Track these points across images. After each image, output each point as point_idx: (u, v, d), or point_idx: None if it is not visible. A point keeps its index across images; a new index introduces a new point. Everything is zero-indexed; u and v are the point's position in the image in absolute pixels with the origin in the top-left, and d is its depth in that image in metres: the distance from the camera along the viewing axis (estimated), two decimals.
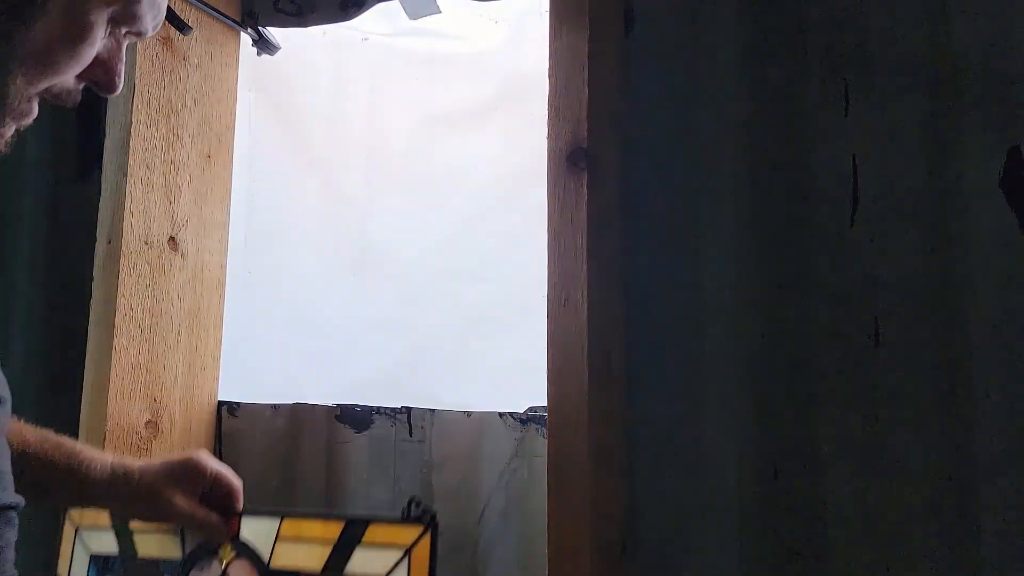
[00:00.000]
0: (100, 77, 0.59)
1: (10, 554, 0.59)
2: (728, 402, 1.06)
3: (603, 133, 1.06)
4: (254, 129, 1.50)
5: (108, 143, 1.26)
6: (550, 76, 1.09)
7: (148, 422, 1.24)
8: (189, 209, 1.31)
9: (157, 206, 1.26)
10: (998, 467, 0.92)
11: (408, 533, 0.91)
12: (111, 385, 1.18)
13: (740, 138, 1.09)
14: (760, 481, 1.03)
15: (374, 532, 0.93)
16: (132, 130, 1.22)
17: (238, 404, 1.41)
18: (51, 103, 0.58)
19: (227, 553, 0.96)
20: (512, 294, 1.41)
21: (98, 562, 1.03)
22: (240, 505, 0.97)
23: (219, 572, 0.96)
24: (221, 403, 1.40)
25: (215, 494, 0.96)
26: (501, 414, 1.27)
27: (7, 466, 0.61)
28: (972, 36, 0.98)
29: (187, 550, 0.99)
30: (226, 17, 1.34)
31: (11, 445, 0.64)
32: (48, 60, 0.54)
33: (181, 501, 0.93)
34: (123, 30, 0.59)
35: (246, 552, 0.96)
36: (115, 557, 1.02)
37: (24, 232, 1.43)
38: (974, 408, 0.93)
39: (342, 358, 1.49)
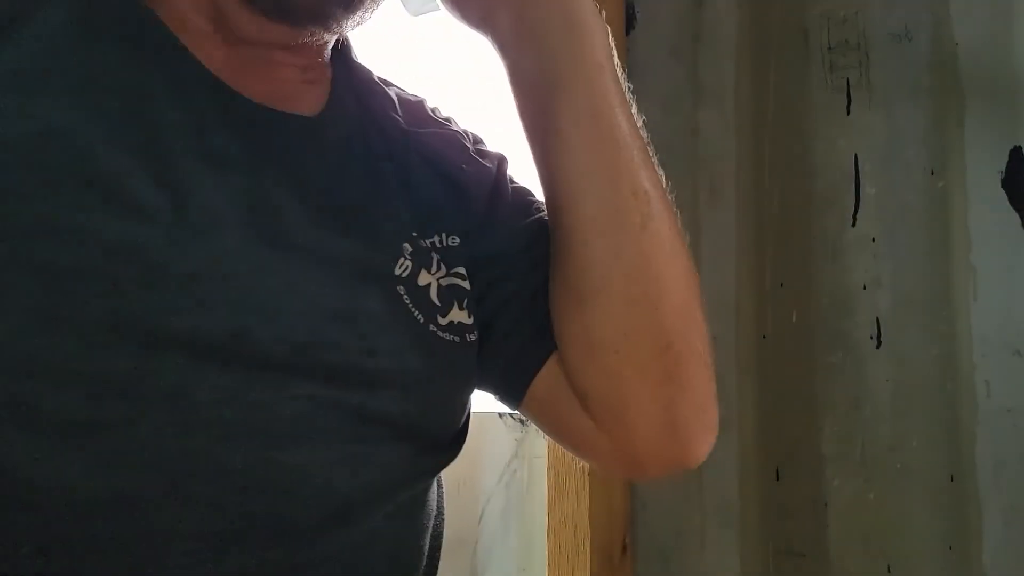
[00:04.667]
0: None
1: None
2: (728, 402, 1.05)
3: None
4: None
5: None
6: None
7: None
8: None
9: None
10: (998, 467, 0.92)
11: None
12: None
13: (741, 137, 1.09)
14: (760, 481, 1.03)
15: None
16: None
17: None
18: None
19: None
20: None
21: None
22: None
23: None
24: None
25: None
26: (501, 415, 1.27)
27: None
28: (974, 35, 0.97)
29: None
30: None
31: None
32: None
33: None
34: None
35: None
36: None
37: None
38: (974, 408, 0.93)
39: None
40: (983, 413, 0.93)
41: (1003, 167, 0.94)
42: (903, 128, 1.00)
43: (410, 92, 0.62)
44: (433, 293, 0.49)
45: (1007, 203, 0.94)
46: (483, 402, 1.45)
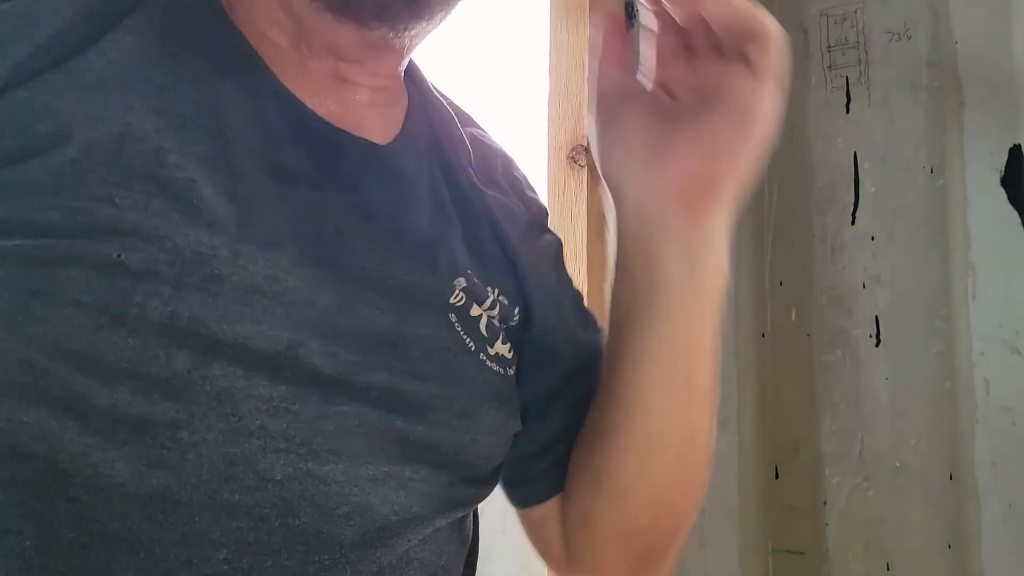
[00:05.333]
0: None
1: None
2: (728, 400, 1.05)
3: None
4: None
5: None
6: (550, 72, 1.08)
7: None
8: None
9: None
10: (997, 465, 0.92)
11: None
12: None
13: None
14: (760, 479, 1.03)
15: None
16: None
17: None
18: None
19: None
20: None
21: None
22: None
23: None
24: None
25: None
26: None
27: None
28: (974, 34, 0.97)
29: None
30: None
31: None
32: None
33: None
34: None
35: None
36: None
37: None
38: (973, 406, 0.93)
39: None
40: (982, 411, 0.93)
41: (1002, 165, 0.94)
42: (902, 126, 1.00)
43: (486, 135, 0.62)
44: (482, 324, 0.50)
45: (1006, 201, 0.94)
46: None
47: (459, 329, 0.48)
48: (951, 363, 0.95)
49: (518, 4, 1.45)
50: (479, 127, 0.62)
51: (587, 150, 1.03)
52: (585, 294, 1.01)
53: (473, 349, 0.48)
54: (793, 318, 1.03)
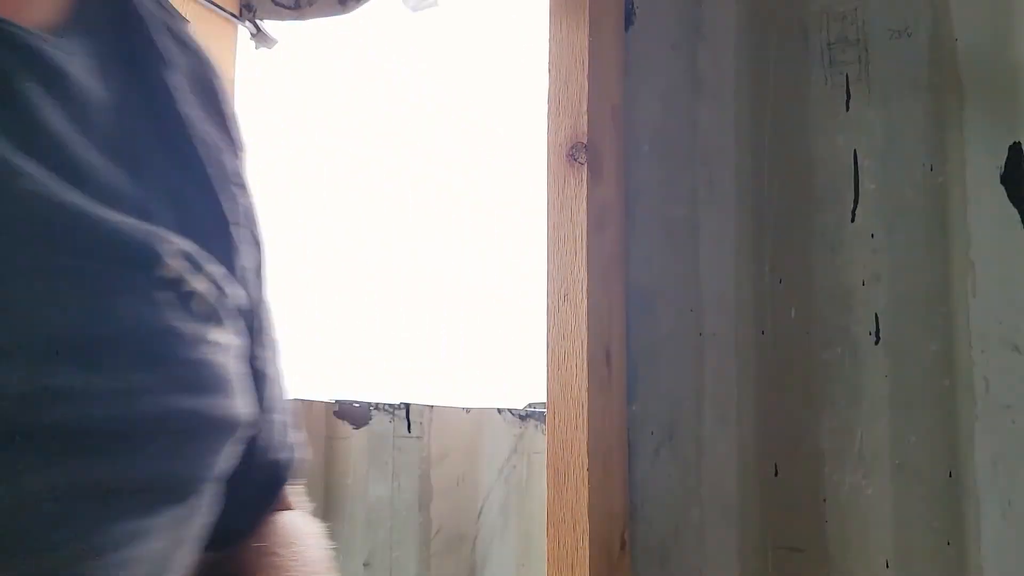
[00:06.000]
0: None
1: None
2: (728, 401, 1.05)
3: (603, 128, 1.06)
4: (251, 123, 1.50)
5: None
6: (549, 70, 1.08)
7: None
8: None
9: None
10: (996, 463, 0.92)
11: None
12: None
13: (740, 133, 1.08)
14: (760, 479, 1.03)
15: None
16: None
17: None
18: None
19: None
20: (511, 289, 1.41)
21: None
22: None
23: None
24: None
25: None
26: (500, 410, 1.27)
27: None
28: (974, 31, 0.97)
29: None
30: (223, 10, 1.34)
31: None
32: None
33: None
34: None
35: None
36: None
37: None
38: (974, 406, 0.93)
39: (341, 353, 1.49)
40: (981, 409, 0.93)
41: (1002, 163, 0.94)
42: (902, 124, 1.00)
43: (194, 41, 0.45)
44: (197, 303, 0.36)
45: (1006, 199, 0.94)
46: (481, 397, 1.46)
47: (169, 313, 0.34)
48: (951, 361, 0.95)
49: (518, 2, 1.45)
50: (185, 25, 0.45)
51: (587, 147, 1.03)
52: (584, 291, 1.01)
53: (190, 339, 0.34)
54: (792, 316, 1.03)
